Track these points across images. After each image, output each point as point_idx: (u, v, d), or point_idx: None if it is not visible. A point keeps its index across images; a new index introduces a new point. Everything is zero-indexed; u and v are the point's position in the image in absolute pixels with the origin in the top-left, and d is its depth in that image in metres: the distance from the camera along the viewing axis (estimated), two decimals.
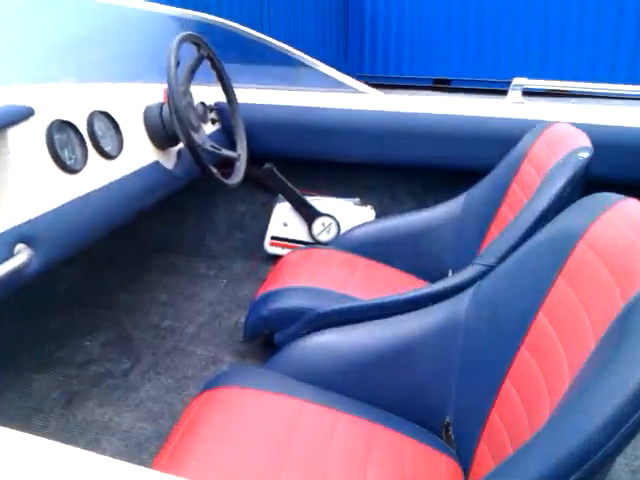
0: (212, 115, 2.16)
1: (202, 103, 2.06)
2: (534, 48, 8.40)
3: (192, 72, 1.77)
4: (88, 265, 1.99)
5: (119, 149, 1.54)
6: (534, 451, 0.67)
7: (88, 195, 1.38)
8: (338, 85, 2.32)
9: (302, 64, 2.35)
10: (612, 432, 0.61)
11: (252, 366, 1.66)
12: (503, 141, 1.85)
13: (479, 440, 1.01)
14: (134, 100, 1.69)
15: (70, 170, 1.33)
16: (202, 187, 1.57)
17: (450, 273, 1.79)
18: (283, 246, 2.25)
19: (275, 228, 2.25)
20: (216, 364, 1.69)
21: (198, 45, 1.76)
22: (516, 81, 2.13)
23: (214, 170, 1.67)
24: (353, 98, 2.20)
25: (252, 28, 2.38)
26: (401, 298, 1.39)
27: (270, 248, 2.26)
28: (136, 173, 1.58)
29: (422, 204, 2.30)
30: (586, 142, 1.40)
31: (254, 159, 2.06)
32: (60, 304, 1.96)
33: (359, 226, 1.94)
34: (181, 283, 2.13)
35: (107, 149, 1.49)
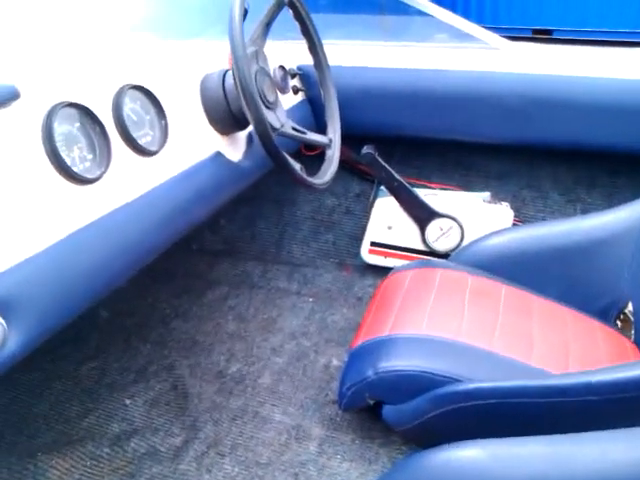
0: (294, 82, 1.62)
1: (281, 67, 1.53)
2: None
3: (267, 26, 1.24)
4: (130, 280, 1.54)
5: (162, 140, 1.04)
6: None
7: (110, 218, 0.89)
8: (461, 38, 1.73)
9: (410, 11, 1.75)
10: None
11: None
12: None
13: None
14: (186, 67, 1.18)
15: (81, 179, 0.85)
16: (280, 173, 1.13)
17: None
18: (386, 255, 1.71)
19: (376, 231, 1.71)
20: (300, 441, 1.20)
21: None
22: None
23: (297, 167, 1.16)
24: (482, 56, 1.61)
25: None
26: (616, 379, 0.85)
27: (368, 257, 1.73)
28: (187, 174, 1.09)
29: (579, 203, 1.71)
30: None
31: (347, 138, 1.53)
32: (90, 340, 1.51)
33: (493, 234, 1.39)
34: (254, 303, 1.64)
35: (143, 142, 1.00)
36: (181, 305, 1.62)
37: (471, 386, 0.97)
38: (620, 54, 1.59)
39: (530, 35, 8.17)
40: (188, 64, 1.21)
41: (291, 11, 1.31)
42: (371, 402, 1.08)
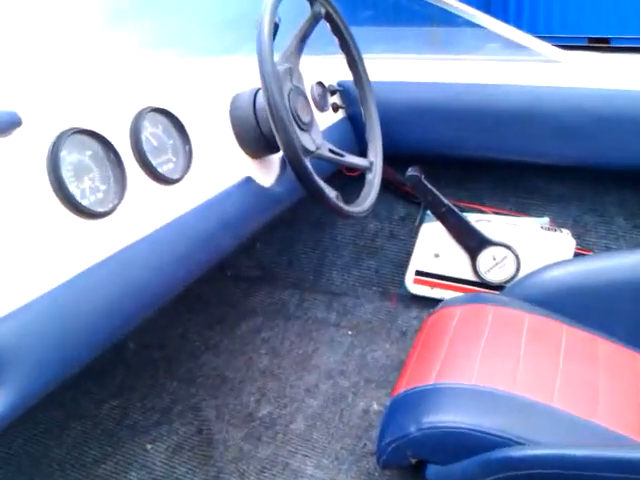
0: (334, 99, 1.52)
1: (320, 83, 1.43)
2: None
3: (302, 40, 1.14)
4: (161, 308, 1.46)
5: (186, 167, 0.95)
6: None
7: (123, 255, 0.80)
8: (516, 50, 1.59)
9: (460, 22, 1.62)
10: None
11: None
12: None
13: None
14: (214, 86, 1.09)
15: (90, 213, 0.76)
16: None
17: None
18: (433, 285, 1.57)
19: (422, 259, 1.57)
20: None
21: None
22: None
23: (332, 194, 1.05)
24: (540, 69, 1.47)
25: None
26: None
27: (414, 287, 1.59)
28: (212, 202, 0.99)
29: None
30: None
31: (392, 158, 1.41)
32: (116, 375, 1.43)
33: (553, 266, 1.25)
34: (289, 336, 1.53)
35: (164, 169, 0.91)
36: (212, 337, 1.53)
37: (531, 452, 0.83)
38: None
39: (585, 44, 7.91)
40: (216, 83, 1.11)
41: (328, 24, 1.21)
42: (413, 461, 0.96)
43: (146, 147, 0.89)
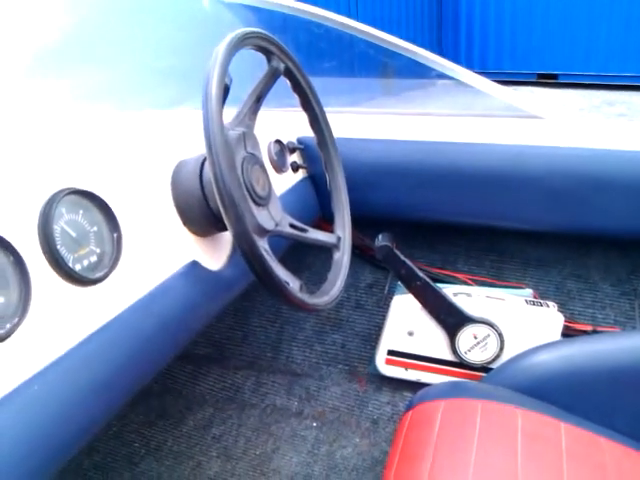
0: (294, 157, 1.34)
1: (278, 142, 1.25)
2: None
3: (258, 100, 0.97)
4: None
5: (114, 259, 0.75)
6: None
7: (23, 389, 0.60)
8: (494, 107, 1.45)
9: (433, 74, 1.48)
10: None
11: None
12: None
13: None
14: (153, 151, 0.90)
15: None
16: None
17: None
18: (407, 366, 1.40)
19: (394, 337, 1.40)
20: None
21: (268, 52, 0.96)
22: None
23: (296, 286, 0.87)
24: (522, 126, 1.34)
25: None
26: None
27: (385, 368, 1.41)
28: (150, 299, 0.80)
29: (636, 297, 1.42)
30: None
31: (359, 222, 1.24)
32: None
33: (541, 349, 1.12)
34: (244, 431, 1.32)
35: (84, 266, 0.72)
36: (154, 437, 1.30)
37: None
38: None
39: (535, 79, 8.10)
40: (155, 147, 0.92)
41: (288, 81, 1.04)
42: None
43: (60, 241, 0.69)
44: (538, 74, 8.07)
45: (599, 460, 0.92)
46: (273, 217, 0.93)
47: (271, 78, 0.98)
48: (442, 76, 1.46)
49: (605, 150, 1.25)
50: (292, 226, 0.98)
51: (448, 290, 1.38)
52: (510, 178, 1.30)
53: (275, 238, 0.92)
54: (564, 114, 1.38)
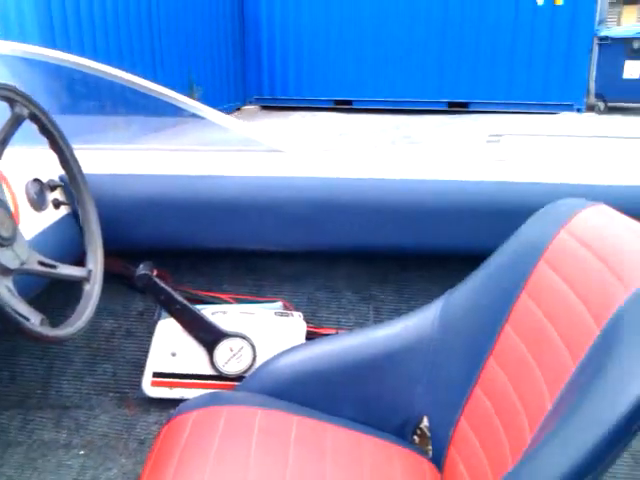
0: (56, 194, 1.38)
1: (36, 180, 1.29)
2: (431, 71, 8.23)
3: (2, 144, 1.03)
4: None
5: None
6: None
7: None
8: (238, 142, 1.62)
9: (187, 114, 1.61)
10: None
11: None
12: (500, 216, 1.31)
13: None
14: None
15: None
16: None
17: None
18: (172, 385, 1.49)
19: (158, 359, 1.49)
20: None
21: (10, 100, 1.03)
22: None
23: (36, 321, 0.94)
24: (264, 159, 1.52)
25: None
26: None
27: (151, 390, 1.49)
28: None
29: (372, 300, 1.65)
30: None
31: (121, 252, 1.32)
32: None
33: (283, 354, 1.28)
34: (5, 470, 1.32)
35: None
36: None
37: None
38: (396, 154, 1.60)
39: (333, 106, 8.72)
40: None
41: (35, 125, 1.11)
42: None
43: None
44: (335, 100, 8.71)
45: (321, 443, 1.09)
46: (19, 256, 0.98)
47: (15, 123, 1.04)
48: (195, 115, 1.59)
49: (334, 178, 1.46)
50: (41, 263, 1.04)
51: (207, 310, 1.51)
52: (255, 205, 1.46)
53: (25, 276, 0.97)
54: (301, 148, 1.59)
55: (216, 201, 1.47)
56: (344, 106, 8.68)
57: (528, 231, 1.03)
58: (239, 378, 1.46)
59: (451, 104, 8.03)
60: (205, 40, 7.72)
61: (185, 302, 1.46)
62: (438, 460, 1.11)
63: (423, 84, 8.13)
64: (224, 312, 1.52)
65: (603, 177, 1.36)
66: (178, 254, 1.60)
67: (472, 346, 1.07)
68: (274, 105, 8.66)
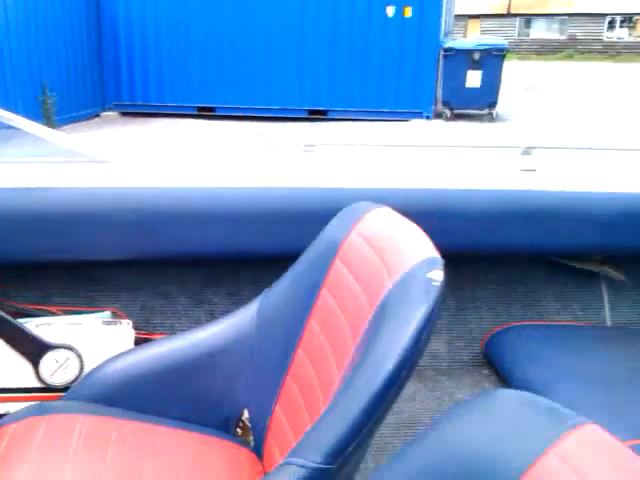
0: None
1: None
2: (292, 80, 8.44)
3: None
4: None
5: None
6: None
7: None
8: (62, 153, 1.63)
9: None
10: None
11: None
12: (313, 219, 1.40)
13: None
14: None
15: None
16: None
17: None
18: None
19: None
20: None
21: None
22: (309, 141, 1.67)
23: None
24: (91, 170, 1.54)
25: None
26: None
27: None
28: None
29: (205, 304, 1.73)
30: (432, 250, 0.94)
31: None
32: None
33: (110, 361, 1.31)
34: None
35: None
36: None
37: None
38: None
39: (196, 112, 8.66)
40: None
41: None
42: None
43: None
44: (198, 107, 8.65)
45: (142, 444, 1.13)
46: None
47: None
48: (10, 127, 1.57)
49: (162, 188, 1.51)
50: None
51: (30, 323, 1.50)
52: (85, 217, 1.48)
53: None
54: (128, 158, 1.63)
55: (45, 213, 1.47)
56: (207, 112, 8.66)
57: (328, 231, 1.15)
58: (67, 389, 1.47)
59: (311, 112, 8.30)
60: (59, 43, 7.38)
61: (5, 316, 1.45)
62: (259, 449, 1.20)
63: (284, 92, 8.33)
64: (49, 324, 1.52)
65: (391, 181, 1.54)
66: (8, 267, 1.57)
67: (284, 339, 1.17)
68: (135, 111, 8.46)
